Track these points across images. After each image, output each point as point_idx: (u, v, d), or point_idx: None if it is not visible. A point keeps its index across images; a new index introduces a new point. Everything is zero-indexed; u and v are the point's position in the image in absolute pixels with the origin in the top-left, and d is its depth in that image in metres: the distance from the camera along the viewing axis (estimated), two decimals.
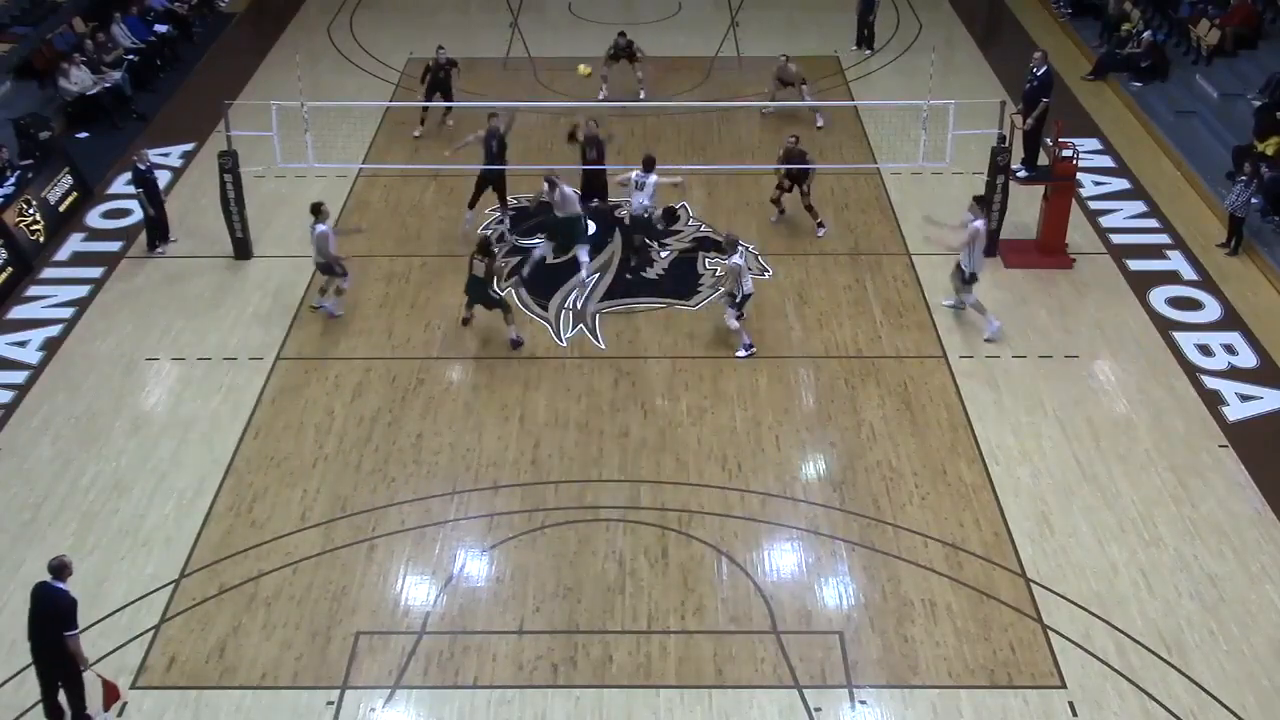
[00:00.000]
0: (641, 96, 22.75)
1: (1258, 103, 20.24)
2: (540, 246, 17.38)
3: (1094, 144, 21.15)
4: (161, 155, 20.56)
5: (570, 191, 16.98)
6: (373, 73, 24.57)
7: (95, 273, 17.56)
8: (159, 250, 18.00)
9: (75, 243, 18.43)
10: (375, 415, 14.60)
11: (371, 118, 21.96)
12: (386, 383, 15.18)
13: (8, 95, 21.72)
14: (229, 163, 17.29)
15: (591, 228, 18.50)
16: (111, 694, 10.63)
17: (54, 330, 16.24)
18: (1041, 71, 18.24)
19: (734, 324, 15.45)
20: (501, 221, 18.42)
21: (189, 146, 21.27)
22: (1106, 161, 20.77)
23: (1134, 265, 17.61)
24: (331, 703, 10.91)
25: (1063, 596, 11.98)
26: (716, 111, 22.06)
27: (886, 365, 15.47)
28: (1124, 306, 16.70)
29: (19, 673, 10.90)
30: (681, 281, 17.26)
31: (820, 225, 18.43)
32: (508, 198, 18.55)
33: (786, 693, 10.97)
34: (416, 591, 12.14)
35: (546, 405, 14.77)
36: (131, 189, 18.63)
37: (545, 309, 16.67)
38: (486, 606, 11.95)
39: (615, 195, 18.95)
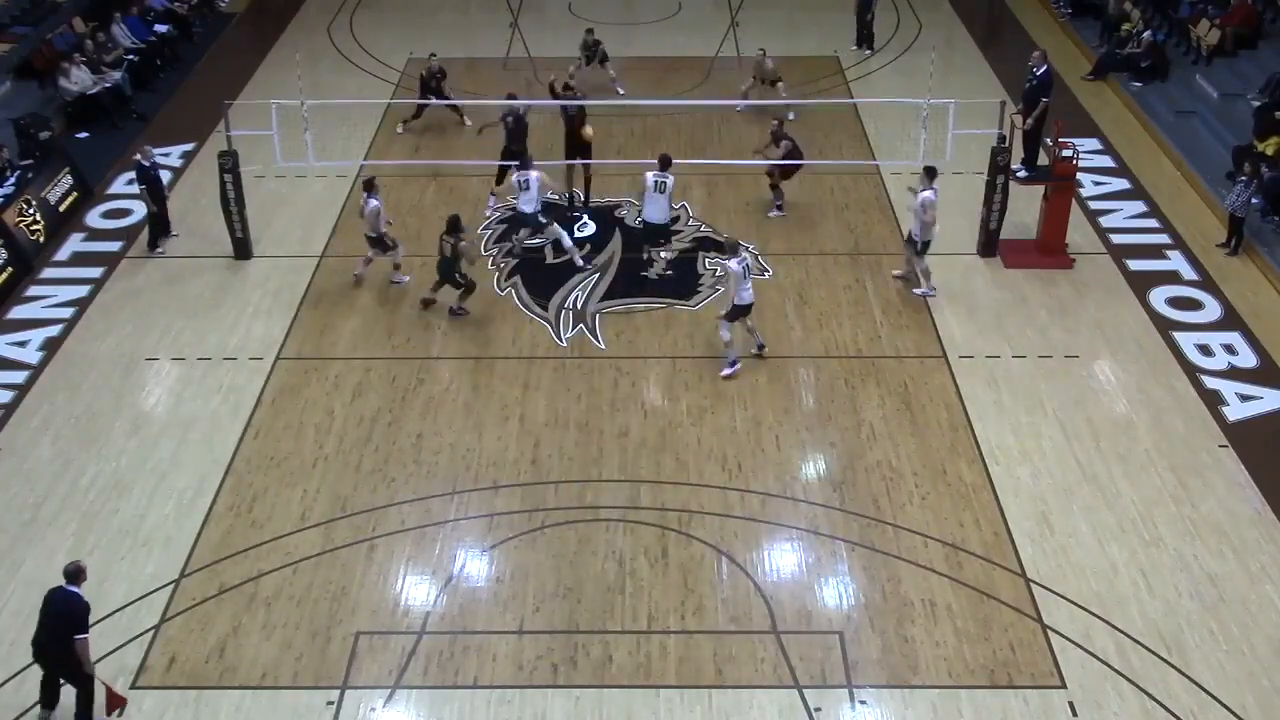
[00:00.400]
0: (620, 92, 22.82)
1: (1257, 103, 20.24)
2: (548, 232, 17.44)
3: (1094, 144, 21.16)
4: (162, 155, 20.50)
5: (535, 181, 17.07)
6: (373, 73, 24.57)
7: (95, 273, 17.56)
8: (159, 249, 18.00)
9: (75, 243, 18.43)
10: (375, 415, 14.60)
11: (371, 117, 21.96)
12: (386, 383, 15.18)
13: (8, 95, 21.72)
14: (229, 163, 17.29)
15: (591, 227, 18.54)
16: (115, 701, 10.61)
17: (54, 330, 16.24)
18: (1041, 71, 18.24)
19: (725, 335, 15.10)
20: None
21: (189, 146, 21.27)
22: (1106, 161, 20.77)
23: (1134, 265, 17.61)
24: (331, 703, 10.91)
25: (1063, 596, 11.98)
26: (716, 111, 22.05)
27: (886, 365, 15.47)
28: (1124, 306, 16.70)
29: (19, 673, 10.90)
30: (681, 281, 17.25)
31: (779, 207, 18.71)
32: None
33: (786, 693, 10.98)
34: (416, 591, 12.14)
35: (546, 405, 14.77)
36: (133, 188, 18.69)
37: (545, 309, 16.67)
38: (486, 606, 11.95)
39: (613, 196, 19.00)
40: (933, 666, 11.25)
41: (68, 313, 16.61)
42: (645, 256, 17.52)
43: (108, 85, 22.26)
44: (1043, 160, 18.51)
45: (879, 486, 13.44)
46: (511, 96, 18.46)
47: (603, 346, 15.93)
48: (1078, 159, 17.74)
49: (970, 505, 13.18)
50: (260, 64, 25.07)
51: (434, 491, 13.41)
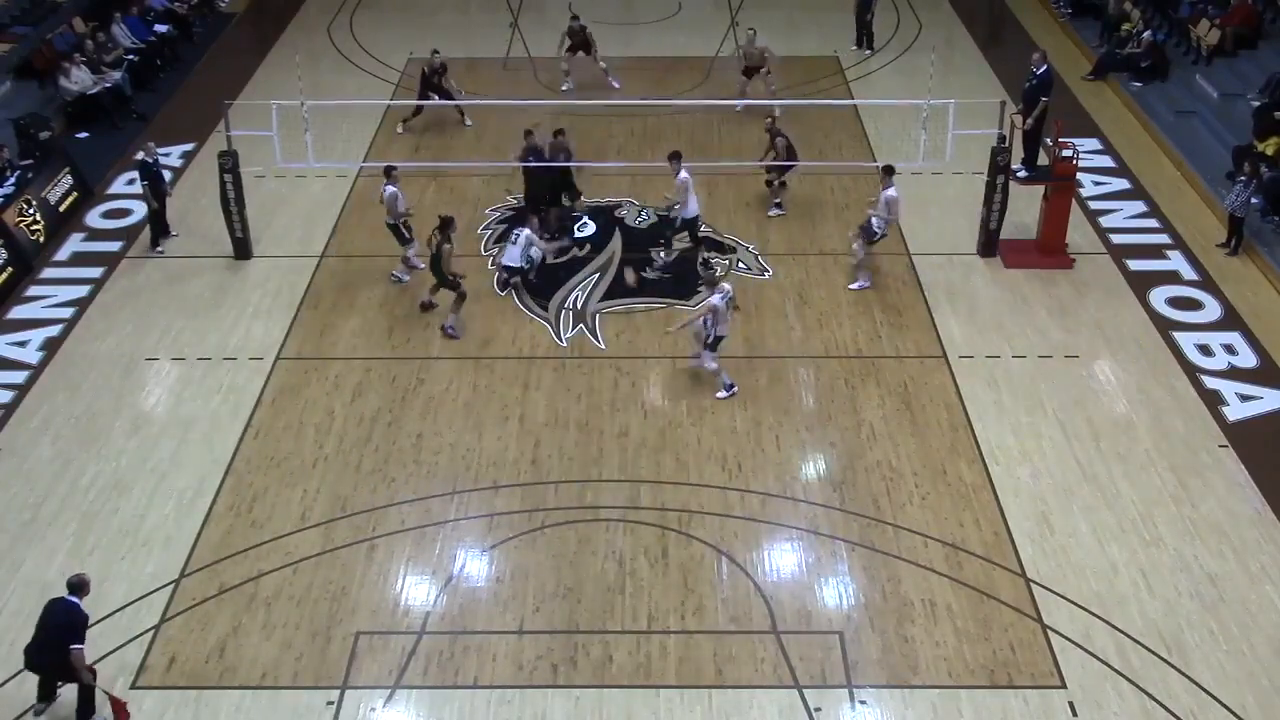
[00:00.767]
0: (616, 86, 22.85)
1: (1257, 103, 20.24)
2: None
3: (1094, 144, 21.16)
4: (162, 155, 20.47)
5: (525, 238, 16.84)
6: (373, 73, 24.57)
7: (95, 273, 17.56)
8: (159, 248, 18.00)
9: (75, 243, 18.43)
10: (375, 415, 14.60)
11: (371, 117, 21.96)
12: (386, 383, 15.18)
13: (8, 95, 21.72)
14: (229, 163, 17.29)
15: (590, 227, 18.54)
16: (121, 713, 10.61)
17: (54, 330, 16.24)
18: (1041, 71, 18.23)
19: (712, 365, 14.85)
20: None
21: (189, 146, 21.28)
22: (1106, 161, 20.77)
23: (1134, 265, 17.61)
24: (331, 703, 10.91)
25: (1063, 596, 11.98)
26: (717, 111, 22.04)
27: (886, 365, 15.47)
28: (1124, 306, 16.70)
29: (19, 672, 10.89)
30: (681, 281, 17.25)
31: (778, 205, 18.77)
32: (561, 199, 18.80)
33: (786, 693, 10.97)
34: (416, 591, 12.14)
35: (546, 405, 14.77)
36: (133, 188, 18.71)
37: (545, 309, 16.67)
38: (486, 606, 11.95)
39: (613, 196, 19.00)
40: (933, 666, 11.24)
41: (68, 313, 16.61)
42: (661, 254, 17.59)
43: (108, 85, 22.26)
44: (1043, 160, 18.50)
45: (879, 486, 13.44)
46: (529, 134, 18.24)
47: (603, 346, 15.93)
48: (1078, 159, 17.74)
49: (970, 505, 13.18)
50: (260, 64, 25.07)
51: (434, 491, 13.41)
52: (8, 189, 18.28)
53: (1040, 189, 17.88)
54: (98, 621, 11.46)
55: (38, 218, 18.31)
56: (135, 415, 14.64)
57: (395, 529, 12.89)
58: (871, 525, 12.90)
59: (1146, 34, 23.55)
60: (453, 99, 21.56)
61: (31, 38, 23.17)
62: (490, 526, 12.97)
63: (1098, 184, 19.95)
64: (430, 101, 21.40)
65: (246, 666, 11.27)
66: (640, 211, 19.06)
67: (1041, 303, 16.75)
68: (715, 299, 14.57)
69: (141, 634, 11.58)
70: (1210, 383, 15.11)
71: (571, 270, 17.51)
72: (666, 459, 13.87)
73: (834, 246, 17.99)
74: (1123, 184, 20.04)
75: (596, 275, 17.43)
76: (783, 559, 12.54)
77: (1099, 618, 11.74)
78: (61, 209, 18.98)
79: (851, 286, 16.91)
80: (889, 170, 16.83)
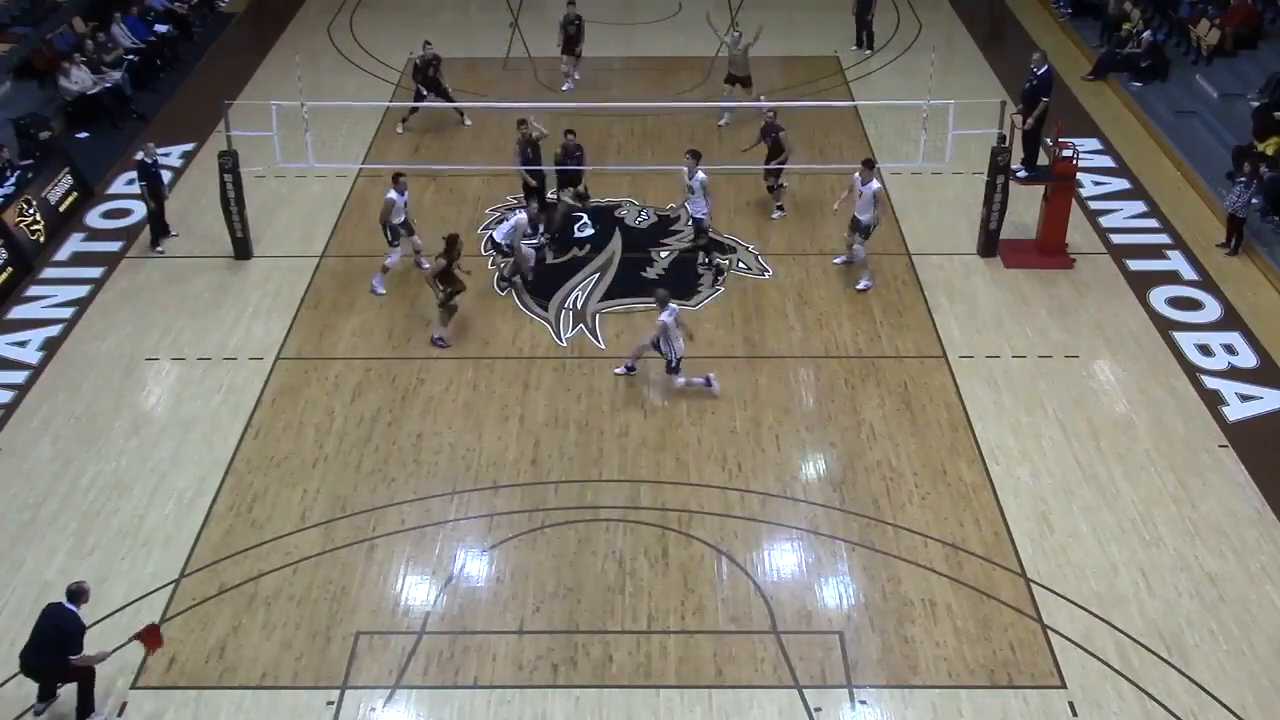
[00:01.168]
0: (565, 88, 23.08)
1: (1257, 103, 20.24)
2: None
3: (1094, 144, 21.16)
4: (162, 155, 20.46)
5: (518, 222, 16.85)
6: (373, 73, 24.57)
7: (95, 273, 17.56)
8: (159, 248, 18.00)
9: (75, 243, 18.43)
10: (375, 415, 14.59)
11: (371, 118, 21.95)
12: (386, 383, 15.18)
13: (8, 95, 21.72)
14: (229, 163, 17.29)
15: (590, 228, 18.54)
16: (153, 639, 10.74)
17: (54, 330, 16.24)
18: (1041, 71, 18.23)
19: (681, 381, 14.70)
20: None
21: (189, 146, 21.28)
22: (1106, 161, 20.77)
23: (1134, 265, 17.61)
24: (331, 703, 10.91)
25: (1063, 596, 11.98)
26: (716, 111, 22.01)
27: (886, 365, 15.47)
28: (1124, 306, 16.70)
29: (19, 672, 10.87)
30: (681, 281, 17.25)
31: (779, 208, 18.76)
32: (547, 196, 18.70)
33: (786, 693, 10.97)
34: (416, 591, 12.14)
35: (546, 405, 14.77)
36: (133, 188, 18.69)
37: (545, 309, 16.67)
38: (486, 606, 11.95)
39: (613, 196, 18.99)
40: (933, 666, 11.25)
41: (68, 313, 16.61)
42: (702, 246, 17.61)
43: (108, 85, 22.26)
44: (1043, 160, 18.51)
45: (879, 486, 13.44)
46: (522, 124, 18.26)
47: (603, 346, 15.93)
48: (1078, 159, 17.74)
49: (970, 505, 13.18)
50: (260, 64, 25.07)
51: (434, 491, 13.41)
52: (8, 189, 18.29)
53: (1040, 189, 17.88)
54: (98, 621, 11.47)
55: (38, 218, 18.31)
56: (135, 415, 14.64)
57: (395, 529, 12.89)
58: (871, 525, 12.90)
59: (1146, 34, 23.55)
60: (449, 96, 21.52)
61: (31, 38, 23.18)
62: (490, 526, 12.97)
63: (1098, 184, 19.95)
64: (428, 103, 21.37)
65: (246, 666, 11.27)
66: (640, 211, 19.06)
67: (1041, 303, 16.75)
68: (665, 316, 14.41)
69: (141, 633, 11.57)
70: (1210, 383, 15.11)
71: (571, 270, 17.51)
72: (666, 459, 13.87)
73: (834, 247, 17.98)
74: (1123, 184, 20.04)
75: (596, 275, 17.43)
76: (783, 559, 12.54)
77: (1099, 618, 11.73)
78: (61, 209, 18.99)
79: (858, 287, 16.88)
80: (870, 164, 16.78)
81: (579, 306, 16.72)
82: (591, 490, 13.44)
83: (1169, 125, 21.54)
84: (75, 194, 19.46)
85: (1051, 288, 17.06)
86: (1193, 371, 15.32)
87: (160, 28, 25.19)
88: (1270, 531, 12.82)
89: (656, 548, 12.61)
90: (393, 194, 16.69)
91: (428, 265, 16.75)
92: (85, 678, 10.56)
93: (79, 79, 21.98)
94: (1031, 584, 12.15)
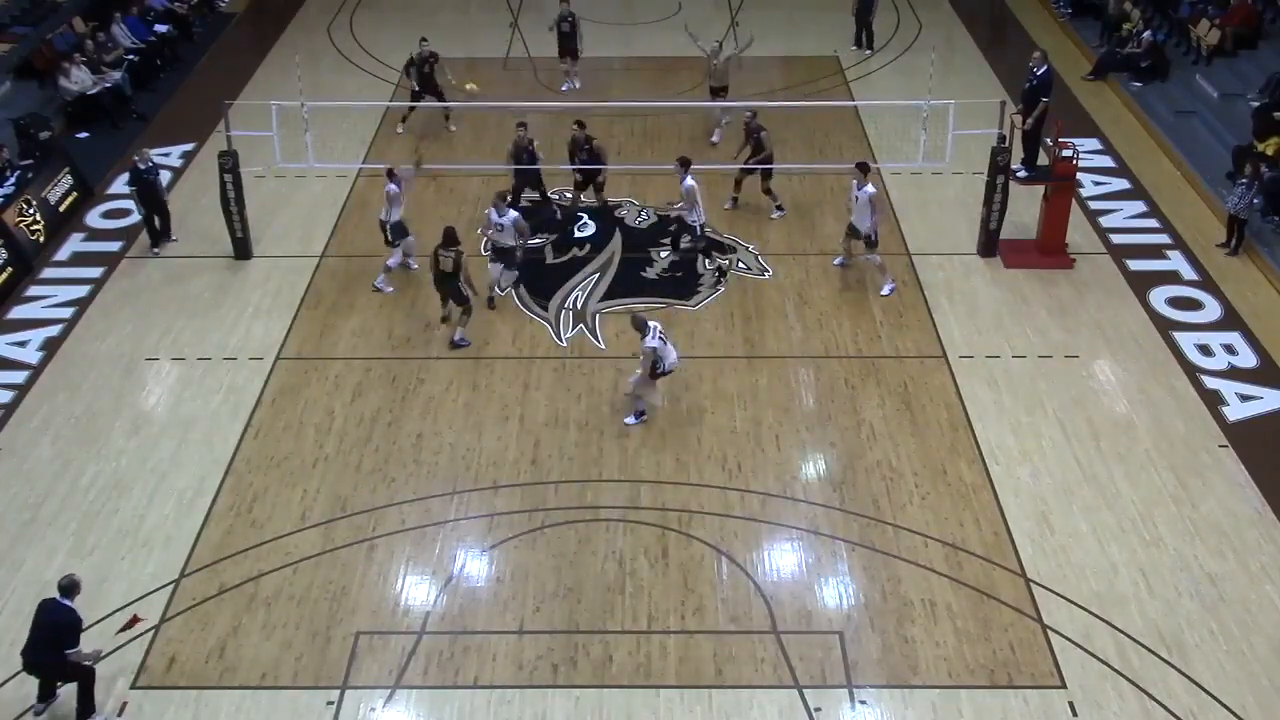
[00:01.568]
0: (563, 89, 23.03)
1: (1257, 103, 20.23)
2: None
3: (1094, 144, 21.16)
4: (161, 155, 20.55)
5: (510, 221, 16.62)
6: (373, 73, 24.58)
7: (95, 273, 17.56)
8: (156, 250, 17.99)
9: (75, 243, 18.44)
10: (375, 415, 14.60)
11: (371, 118, 21.96)
12: (386, 383, 15.18)
13: (8, 95, 21.73)
14: (229, 163, 17.29)
15: (590, 227, 18.54)
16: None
17: (54, 330, 16.24)
18: (1041, 71, 18.22)
19: (631, 387, 14.33)
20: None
21: (189, 146, 21.28)
22: (1106, 161, 20.77)
23: (1134, 265, 17.61)
24: (331, 703, 10.91)
25: (1063, 596, 11.98)
26: (717, 112, 21.98)
27: (886, 365, 15.47)
28: (1124, 306, 16.70)
29: (19, 672, 10.88)
30: (681, 281, 17.25)
31: (779, 208, 18.75)
32: (549, 194, 18.78)
33: (786, 693, 10.97)
34: (416, 591, 12.14)
35: (546, 405, 14.77)
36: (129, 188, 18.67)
37: (545, 309, 16.67)
38: (486, 606, 11.95)
39: (613, 196, 18.98)
40: (933, 666, 11.24)
41: (68, 313, 16.61)
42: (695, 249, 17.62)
43: (108, 85, 22.26)
44: (1043, 160, 18.51)
45: (879, 486, 13.44)
46: (520, 127, 18.28)
47: (603, 346, 15.93)
48: (1078, 159, 17.74)
49: (970, 505, 13.18)
50: (260, 64, 25.08)
51: (434, 491, 13.41)
52: (8, 189, 18.29)
53: (1040, 189, 17.88)
54: (97, 621, 11.47)
55: (38, 218, 18.31)
56: (135, 415, 14.64)
57: (395, 529, 12.89)
58: (871, 525, 12.90)
59: (1146, 34, 23.55)
60: (442, 96, 21.43)
61: (31, 38, 23.18)
62: (490, 526, 12.97)
63: (1098, 184, 19.95)
64: (426, 103, 21.36)
65: (246, 666, 11.27)
66: (640, 211, 19.06)
67: (1041, 303, 16.75)
68: (652, 342, 13.86)
69: (142, 634, 11.56)
70: (1210, 383, 15.11)
71: (571, 270, 17.52)
72: (666, 459, 13.87)
73: (834, 247, 17.97)
74: (1123, 184, 20.04)
75: (596, 275, 17.43)
76: (783, 559, 12.54)
77: (1099, 618, 11.73)
78: (61, 209, 18.99)
79: (883, 292, 16.74)
80: (864, 168, 16.66)
81: (579, 306, 16.72)
82: (591, 490, 13.44)
83: (1169, 125, 21.54)
84: (75, 194, 19.46)
85: (1051, 288, 17.06)
86: (1193, 371, 15.32)
87: (160, 28, 25.20)
88: (1270, 531, 12.82)
89: (656, 548, 12.61)
90: (391, 186, 16.70)
91: (415, 267, 16.81)
92: (84, 678, 10.56)
93: (79, 79, 21.98)
94: (1031, 584, 12.15)
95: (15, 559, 12.48)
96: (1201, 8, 23.63)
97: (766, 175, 18.59)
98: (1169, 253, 17.97)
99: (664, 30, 26.91)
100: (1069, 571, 12.29)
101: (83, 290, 17.12)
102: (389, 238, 16.99)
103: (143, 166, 17.62)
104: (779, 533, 12.85)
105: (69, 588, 10.55)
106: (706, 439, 14.18)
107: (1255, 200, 17.71)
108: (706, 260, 17.61)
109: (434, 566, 12.44)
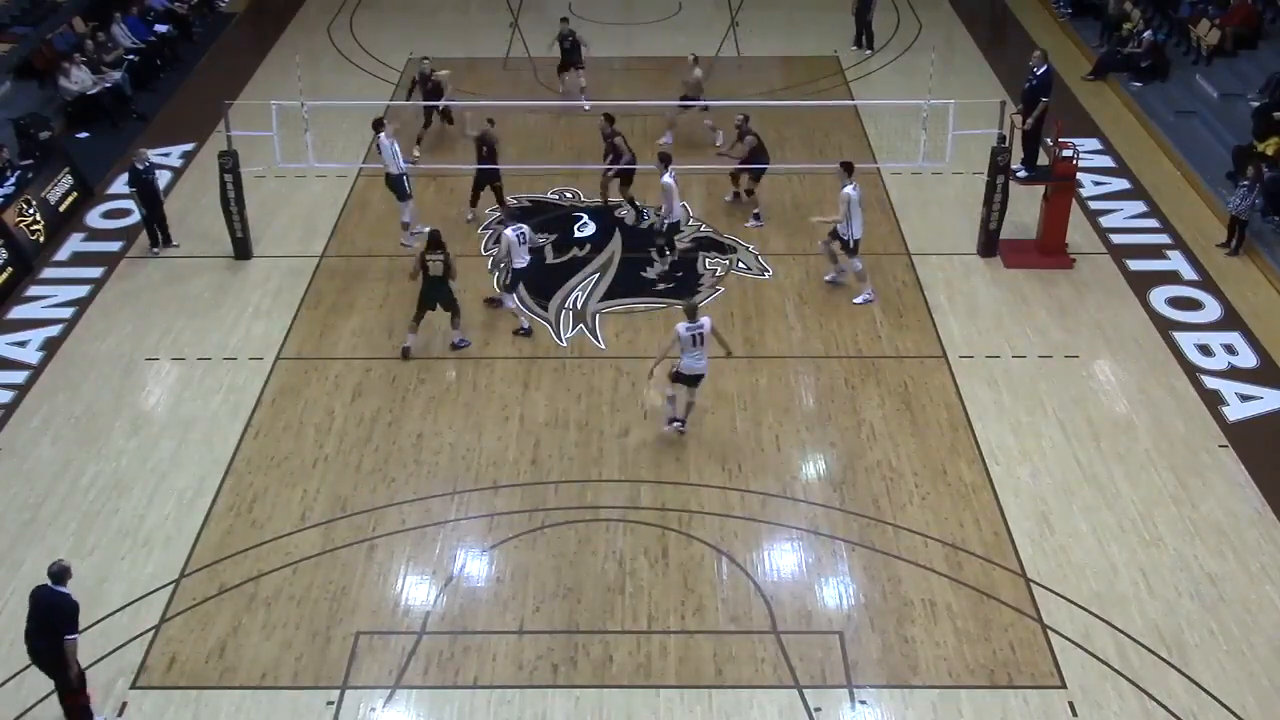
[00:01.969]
0: (586, 108, 21.86)
1: (1257, 103, 20.23)
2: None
3: (1094, 144, 21.16)
4: (161, 155, 20.56)
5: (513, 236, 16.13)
6: (373, 73, 24.57)
7: (95, 273, 17.56)
8: (156, 250, 17.98)
9: (75, 243, 18.43)
10: (375, 415, 14.60)
11: (371, 118, 21.87)
12: (386, 383, 15.18)
13: (8, 95, 21.72)
14: (229, 163, 17.29)
15: (590, 227, 18.54)
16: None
17: (54, 330, 16.24)
18: (1041, 71, 18.22)
19: (670, 393, 14.18)
20: (504, 222, 18.17)
21: (189, 146, 21.28)
22: (1106, 161, 20.77)
23: (1134, 265, 17.61)
24: (331, 703, 10.91)
25: (1063, 596, 11.98)
26: (716, 112, 21.98)
27: (886, 365, 15.47)
28: (1124, 306, 16.70)
29: (19, 673, 10.89)
30: (681, 281, 17.25)
31: (756, 216, 18.60)
32: (506, 198, 18.64)
33: (786, 693, 10.97)
34: (416, 591, 12.14)
35: (546, 405, 14.77)
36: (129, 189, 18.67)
37: (545, 309, 16.67)
38: (486, 606, 11.94)
39: (613, 196, 18.98)
40: (933, 666, 11.24)
41: (68, 313, 16.61)
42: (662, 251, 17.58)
43: (108, 85, 22.26)
44: (1043, 160, 18.51)
45: (879, 486, 13.44)
46: (491, 122, 18.28)
47: (603, 346, 15.93)
48: (1078, 159, 17.74)
49: (970, 505, 13.18)
50: (260, 64, 25.08)
51: (434, 491, 13.41)
52: (8, 189, 18.29)
53: (1040, 189, 17.88)
54: (97, 621, 11.48)
55: (38, 218, 18.31)
56: (135, 415, 14.64)
57: (395, 529, 12.89)
58: (871, 525, 12.90)
59: (1146, 34, 23.55)
60: (447, 111, 21.07)
61: (31, 38, 23.18)
62: (490, 526, 12.97)
63: (1098, 184, 19.95)
64: (428, 103, 21.31)
65: (246, 666, 11.27)
66: (640, 211, 19.05)
67: (1041, 303, 16.75)
68: (682, 328, 13.56)
69: (141, 634, 11.57)
70: (1210, 383, 15.11)
71: (571, 270, 17.51)
72: (666, 459, 13.87)
73: (834, 247, 17.96)
74: (1123, 184, 20.04)
75: (596, 275, 17.43)
76: (783, 559, 12.54)
77: (1099, 618, 11.73)
78: (61, 209, 18.98)
79: (856, 300, 16.60)
80: (849, 168, 16.43)
81: (579, 306, 16.72)
82: (591, 490, 13.44)
83: (1169, 125, 21.54)
84: (75, 194, 19.45)
85: (1051, 288, 17.06)
86: (1193, 371, 15.32)
87: (160, 28, 25.20)
88: (1270, 531, 12.82)
89: (656, 548, 12.61)
90: (382, 137, 17.18)
91: (414, 242, 17.10)
92: (66, 685, 10.37)
93: (79, 79, 21.98)
94: (1031, 584, 12.15)
95: (15, 559, 12.48)
96: (1201, 8, 23.63)
97: (756, 177, 18.58)
98: (1169, 253, 17.97)
99: (664, 30, 26.93)
100: (1069, 571, 12.29)
101: (83, 290, 17.12)
102: (398, 192, 17.46)
103: (140, 167, 17.61)
104: (779, 533, 12.85)
105: (59, 574, 10.37)
106: (706, 439, 14.17)
107: (1256, 201, 17.71)
108: (668, 250, 17.53)
109: (434, 566, 12.44)
